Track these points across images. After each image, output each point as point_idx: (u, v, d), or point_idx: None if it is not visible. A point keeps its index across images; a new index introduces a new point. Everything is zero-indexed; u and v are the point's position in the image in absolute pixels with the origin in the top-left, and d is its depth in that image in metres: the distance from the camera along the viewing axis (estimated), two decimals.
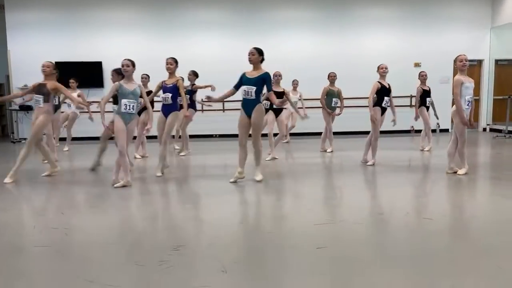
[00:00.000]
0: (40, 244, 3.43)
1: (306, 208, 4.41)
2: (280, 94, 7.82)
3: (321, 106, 8.53)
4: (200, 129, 12.15)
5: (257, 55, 5.50)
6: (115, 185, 5.49)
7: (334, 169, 7.02)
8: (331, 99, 8.43)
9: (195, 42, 12.07)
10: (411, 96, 12.38)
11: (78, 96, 8.71)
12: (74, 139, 11.47)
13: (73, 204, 4.80)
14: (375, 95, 6.80)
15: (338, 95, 8.54)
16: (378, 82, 6.82)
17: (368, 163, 6.92)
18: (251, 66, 5.61)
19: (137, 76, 8.06)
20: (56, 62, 11.44)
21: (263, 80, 5.48)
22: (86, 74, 11.39)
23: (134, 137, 6.78)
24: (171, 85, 6.29)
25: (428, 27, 12.51)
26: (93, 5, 11.94)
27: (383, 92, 6.80)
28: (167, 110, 6.33)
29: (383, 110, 6.88)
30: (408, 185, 5.59)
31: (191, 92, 8.23)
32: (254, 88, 5.43)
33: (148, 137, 8.75)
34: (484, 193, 5.21)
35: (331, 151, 8.60)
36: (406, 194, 5.09)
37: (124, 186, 5.51)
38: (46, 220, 4.11)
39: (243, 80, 5.51)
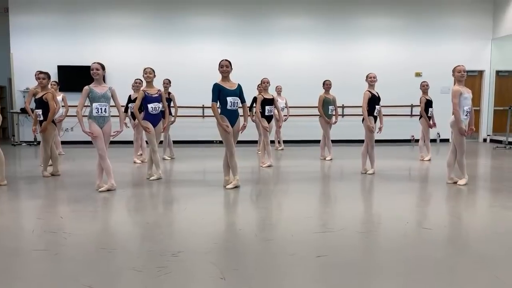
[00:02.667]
0: (38, 248, 3.43)
1: (305, 216, 4.41)
2: (271, 101, 7.90)
3: (319, 114, 8.55)
4: (200, 135, 12.20)
5: (231, 67, 5.59)
6: (99, 190, 5.51)
7: (334, 177, 7.01)
8: (327, 107, 8.46)
9: (197, 48, 12.15)
10: (412, 106, 12.43)
11: (62, 99, 8.75)
12: (74, 143, 11.50)
13: (71, 208, 4.79)
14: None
15: (334, 102, 8.55)
16: (368, 91, 6.82)
17: (368, 172, 6.93)
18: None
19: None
20: (58, 66, 11.63)
21: (241, 91, 5.66)
22: (88, 78, 11.41)
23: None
24: (157, 95, 6.37)
25: (429, 38, 12.58)
26: (96, 10, 12.02)
27: (374, 101, 6.80)
28: (155, 119, 6.40)
29: (374, 119, 6.89)
30: (408, 194, 5.58)
31: (169, 100, 8.20)
32: (238, 99, 5.60)
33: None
34: (484, 204, 5.19)
35: (331, 159, 8.61)
36: (406, 203, 5.08)
37: (108, 190, 5.53)
38: (45, 224, 4.10)
39: (226, 92, 5.51)
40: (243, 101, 5.71)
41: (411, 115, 12.55)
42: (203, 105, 12.06)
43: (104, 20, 12.08)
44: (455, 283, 2.80)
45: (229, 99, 5.50)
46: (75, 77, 11.20)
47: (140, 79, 8.04)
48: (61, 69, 11.67)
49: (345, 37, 12.48)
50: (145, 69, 6.43)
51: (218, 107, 5.59)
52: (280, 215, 4.62)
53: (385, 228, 4.03)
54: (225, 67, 5.52)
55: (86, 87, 5.42)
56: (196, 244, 3.51)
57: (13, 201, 5.29)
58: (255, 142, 10.38)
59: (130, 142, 8.94)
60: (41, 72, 6.70)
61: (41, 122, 6.63)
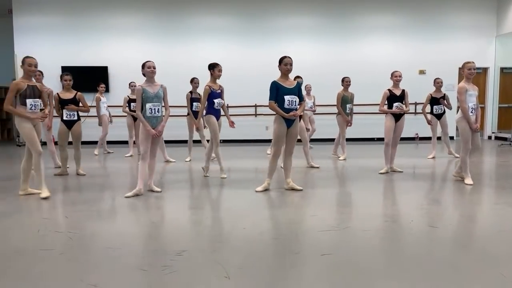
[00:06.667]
0: (44, 248, 3.45)
1: (310, 215, 4.41)
2: None
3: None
4: (205, 135, 12.19)
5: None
6: (126, 195, 5.32)
7: (340, 176, 7.00)
8: (345, 105, 8.29)
9: (199, 48, 12.16)
10: (416, 104, 12.38)
11: None
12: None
13: (77, 208, 4.81)
14: (386, 103, 6.82)
15: (351, 100, 8.44)
16: (388, 90, 6.83)
17: (381, 171, 6.90)
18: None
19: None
20: (62, 67, 11.68)
21: (299, 89, 5.49)
22: (92, 78, 11.49)
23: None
24: (219, 90, 6.47)
25: (433, 35, 12.53)
26: (99, 11, 12.05)
27: (394, 99, 6.80)
28: (219, 114, 6.55)
29: (394, 116, 6.83)
30: (413, 192, 5.56)
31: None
32: (297, 97, 5.39)
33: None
34: (489, 202, 5.17)
35: (344, 159, 8.52)
36: (411, 201, 5.06)
37: (136, 195, 5.37)
38: (51, 224, 4.12)
39: (284, 91, 5.31)
40: (301, 99, 5.51)
41: (415, 113, 12.51)
42: None
43: (108, 21, 12.11)
44: (460, 281, 2.80)
45: (287, 97, 5.30)
46: (79, 78, 11.21)
47: (134, 82, 8.05)
48: (65, 70, 11.69)
49: (348, 36, 12.45)
50: (219, 65, 6.42)
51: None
52: (285, 214, 4.62)
53: (390, 226, 4.02)
54: (289, 65, 5.34)
55: (138, 87, 5.26)
56: (200, 243, 3.52)
57: (19, 201, 5.31)
58: (264, 141, 10.37)
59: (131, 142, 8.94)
60: (67, 74, 6.85)
61: (73, 122, 6.81)
